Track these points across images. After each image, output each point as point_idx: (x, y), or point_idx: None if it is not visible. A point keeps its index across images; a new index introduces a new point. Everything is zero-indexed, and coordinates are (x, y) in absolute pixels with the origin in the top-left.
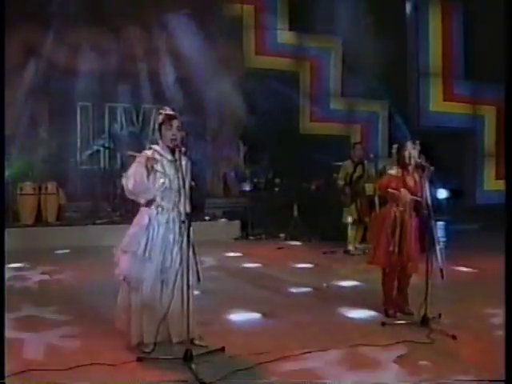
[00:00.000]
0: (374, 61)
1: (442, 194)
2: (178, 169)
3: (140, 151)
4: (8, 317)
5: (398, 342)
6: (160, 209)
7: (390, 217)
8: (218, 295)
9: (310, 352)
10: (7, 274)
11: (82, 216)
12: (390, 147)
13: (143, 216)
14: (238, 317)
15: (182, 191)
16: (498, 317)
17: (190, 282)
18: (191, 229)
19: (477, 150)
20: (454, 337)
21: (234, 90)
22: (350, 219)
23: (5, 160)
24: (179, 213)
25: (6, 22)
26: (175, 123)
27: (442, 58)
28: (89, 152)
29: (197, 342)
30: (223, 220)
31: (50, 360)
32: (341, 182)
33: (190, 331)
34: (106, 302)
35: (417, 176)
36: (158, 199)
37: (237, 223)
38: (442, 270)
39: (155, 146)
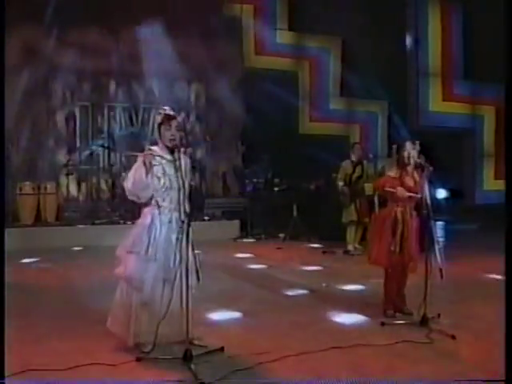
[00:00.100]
0: (373, 61)
1: (442, 193)
2: (177, 169)
3: (139, 151)
4: None
5: (397, 342)
6: (162, 209)
7: (391, 216)
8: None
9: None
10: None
11: (82, 216)
12: (390, 147)
13: (146, 216)
14: (218, 316)
15: (182, 191)
16: (498, 317)
17: (190, 282)
18: (190, 228)
19: (476, 150)
20: (453, 337)
21: (233, 89)
22: (348, 219)
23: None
24: (181, 212)
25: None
26: (174, 123)
27: (441, 58)
28: (87, 152)
29: (196, 341)
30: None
31: (49, 360)
32: (340, 183)
33: (189, 331)
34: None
35: (416, 176)
36: (160, 199)
37: (236, 223)
38: (441, 270)
39: (154, 147)
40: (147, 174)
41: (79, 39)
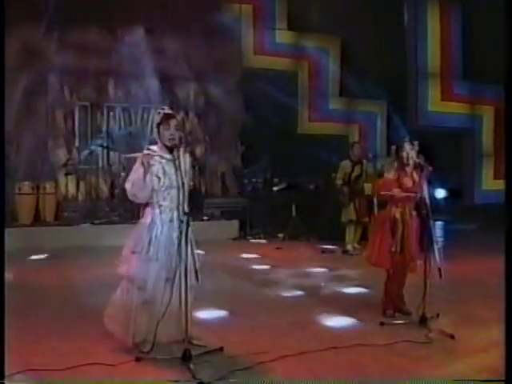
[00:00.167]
0: (372, 61)
1: (441, 193)
2: (177, 168)
3: (138, 151)
4: None
5: (396, 342)
6: (162, 208)
7: (390, 218)
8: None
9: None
10: None
11: (81, 216)
12: (389, 147)
13: (147, 216)
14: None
15: (181, 190)
16: (497, 316)
17: (189, 282)
18: (190, 228)
19: (475, 150)
20: (452, 336)
21: (232, 89)
22: (347, 219)
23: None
24: (180, 212)
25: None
26: (173, 122)
27: (440, 58)
28: (87, 152)
29: (195, 341)
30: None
31: (48, 360)
32: (339, 182)
33: (188, 330)
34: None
35: (416, 176)
36: (160, 198)
37: (235, 223)
38: (440, 270)
39: (153, 147)
40: (145, 174)
41: (78, 39)
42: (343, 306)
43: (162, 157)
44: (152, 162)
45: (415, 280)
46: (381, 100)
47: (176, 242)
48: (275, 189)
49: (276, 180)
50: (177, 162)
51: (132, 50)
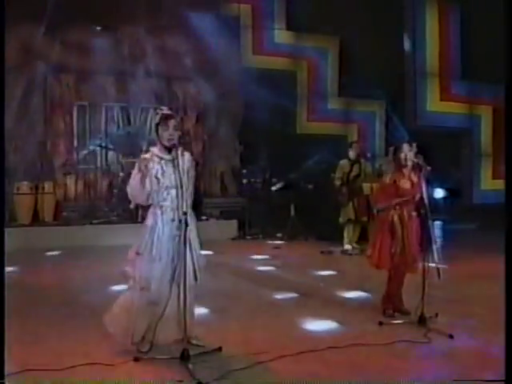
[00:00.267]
0: (371, 61)
1: (439, 193)
2: (176, 167)
3: (137, 151)
4: None
5: (395, 342)
6: (163, 208)
7: (388, 220)
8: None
9: (307, 352)
10: None
11: (80, 216)
12: (387, 147)
13: (149, 217)
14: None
15: (180, 190)
16: (496, 316)
17: (187, 281)
18: (188, 228)
19: (474, 150)
20: (450, 336)
21: (231, 89)
22: (346, 218)
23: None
24: (179, 211)
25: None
26: (172, 123)
27: (438, 58)
28: (85, 152)
29: (194, 341)
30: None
31: (47, 360)
32: (337, 182)
33: (187, 330)
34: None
35: (414, 177)
36: (161, 199)
37: (234, 223)
38: (438, 270)
39: (153, 149)
40: (143, 179)
41: (77, 38)
42: (342, 306)
43: (160, 158)
44: (151, 165)
45: (413, 280)
46: (379, 100)
47: (175, 241)
48: (274, 188)
49: (274, 180)
50: (176, 161)
51: (131, 50)
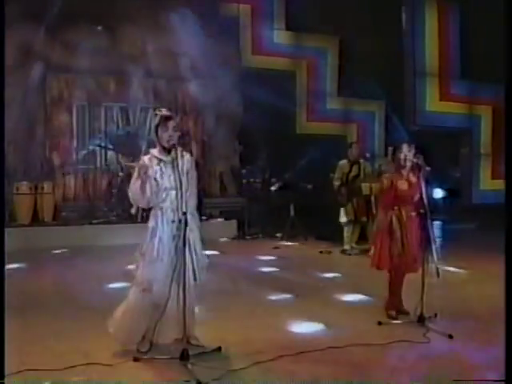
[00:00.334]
0: (370, 60)
1: (439, 193)
2: (175, 168)
3: (136, 151)
4: None
5: (394, 342)
6: (164, 209)
7: (387, 221)
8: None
9: (308, 351)
10: None
11: (79, 216)
12: (386, 147)
13: (150, 219)
14: None
15: (179, 191)
16: (495, 316)
17: (187, 281)
18: (188, 228)
19: (473, 150)
20: (450, 336)
21: (230, 89)
22: (345, 219)
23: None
24: (179, 212)
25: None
26: (171, 124)
27: (438, 58)
28: (85, 152)
29: (193, 341)
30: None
31: (47, 360)
32: (337, 182)
33: (186, 330)
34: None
35: (412, 177)
36: (160, 200)
37: (233, 223)
38: (437, 269)
39: (153, 150)
40: (143, 185)
41: (77, 38)
42: (341, 305)
43: (159, 159)
44: (150, 171)
45: (412, 279)
46: (379, 100)
47: (175, 242)
48: (273, 189)
49: (274, 180)
50: (175, 162)
51: (130, 50)
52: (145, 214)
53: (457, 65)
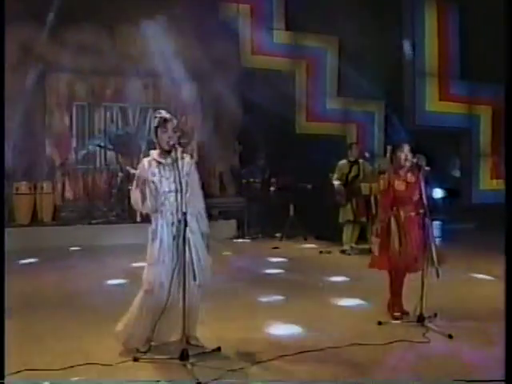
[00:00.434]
0: (370, 60)
1: (438, 193)
2: (175, 170)
3: (136, 151)
4: None
5: (394, 342)
6: (164, 212)
7: (385, 222)
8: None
9: (306, 351)
10: None
11: (78, 216)
12: (386, 147)
13: (152, 221)
14: None
15: (179, 192)
16: (495, 316)
17: (187, 282)
18: (187, 228)
19: (472, 150)
20: (450, 336)
21: (230, 89)
22: (345, 219)
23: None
24: (179, 213)
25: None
26: (170, 125)
27: (438, 58)
28: (84, 151)
29: (193, 341)
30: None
31: (46, 360)
32: (336, 182)
33: (186, 330)
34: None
35: (411, 177)
36: (160, 203)
37: (233, 223)
38: (437, 269)
39: (153, 152)
40: (143, 196)
41: (76, 38)
42: (341, 306)
43: (159, 162)
44: (149, 173)
45: (412, 280)
46: (378, 100)
47: (175, 242)
48: (272, 189)
49: (273, 180)
50: (175, 164)
51: (130, 50)
52: (144, 213)
53: (456, 65)
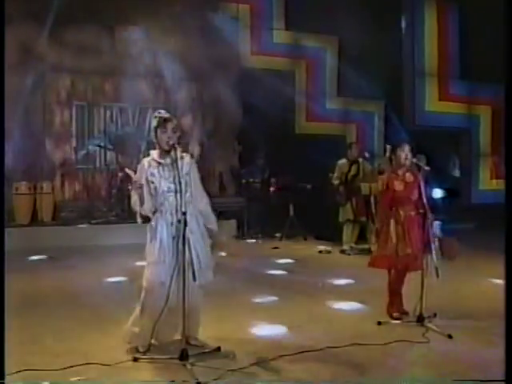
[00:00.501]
0: (370, 60)
1: (438, 193)
2: (174, 170)
3: (135, 151)
4: None
5: (394, 342)
6: (163, 211)
7: (383, 221)
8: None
9: (307, 351)
10: None
11: (78, 216)
12: (386, 147)
13: (151, 222)
14: None
15: (179, 192)
16: (494, 316)
17: (187, 282)
18: (187, 229)
19: (472, 150)
20: (449, 336)
21: (229, 89)
22: (345, 218)
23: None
24: (178, 212)
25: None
26: (170, 125)
27: (437, 58)
28: (84, 152)
29: (193, 341)
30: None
31: (46, 359)
32: (336, 182)
33: (186, 330)
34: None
35: (409, 177)
36: (159, 203)
37: (233, 223)
38: (437, 269)
39: (153, 152)
40: (141, 200)
41: (76, 38)
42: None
43: (158, 163)
44: (148, 173)
45: (411, 280)
46: (378, 100)
47: (174, 242)
48: (272, 189)
49: (273, 180)
50: (174, 164)
51: (130, 50)
52: (143, 213)
53: (456, 65)
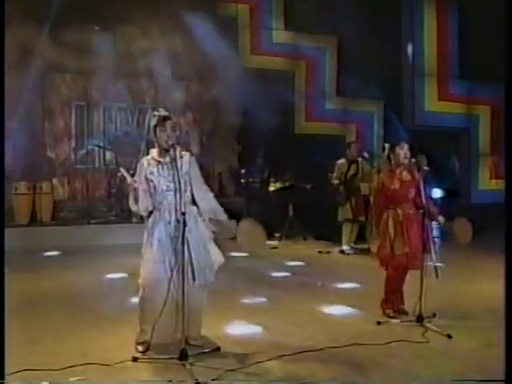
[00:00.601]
0: (369, 60)
1: (437, 193)
2: (173, 169)
3: (135, 151)
4: None
5: (393, 341)
6: (162, 210)
7: (382, 220)
8: None
9: (306, 351)
10: None
11: (77, 216)
12: (384, 145)
13: (148, 221)
14: None
15: (178, 191)
16: (494, 316)
17: (185, 282)
18: (186, 228)
19: (471, 150)
20: (449, 336)
21: (228, 89)
22: (344, 217)
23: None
24: (177, 212)
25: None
26: (169, 124)
27: (437, 58)
28: (83, 151)
29: (192, 342)
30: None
31: (45, 360)
32: (335, 181)
33: (185, 330)
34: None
35: (406, 176)
36: (158, 202)
37: (232, 223)
38: (436, 269)
39: (152, 151)
40: (136, 200)
41: (75, 38)
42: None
43: (158, 161)
44: (149, 175)
45: (411, 280)
46: (378, 100)
47: (173, 241)
48: (271, 189)
49: (273, 180)
50: (173, 163)
51: (129, 50)
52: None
53: (455, 65)
